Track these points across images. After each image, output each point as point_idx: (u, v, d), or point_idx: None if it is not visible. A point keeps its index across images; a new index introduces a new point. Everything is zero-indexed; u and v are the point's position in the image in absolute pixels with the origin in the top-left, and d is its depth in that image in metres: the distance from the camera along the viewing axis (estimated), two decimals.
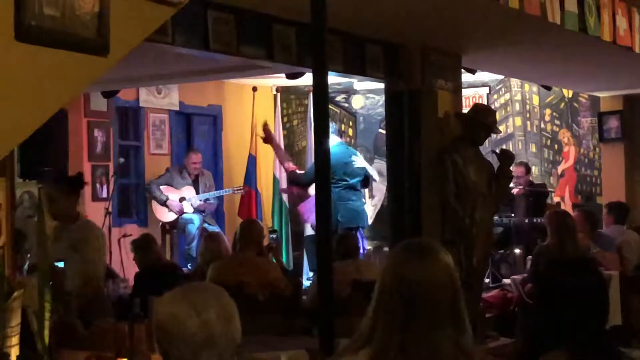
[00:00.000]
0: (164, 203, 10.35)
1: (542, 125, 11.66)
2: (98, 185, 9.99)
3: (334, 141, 9.54)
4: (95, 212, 9.70)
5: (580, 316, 2.75)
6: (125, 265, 9.33)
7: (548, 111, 11.65)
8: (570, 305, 2.76)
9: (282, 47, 6.32)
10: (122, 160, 10.16)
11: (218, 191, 10.81)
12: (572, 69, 9.16)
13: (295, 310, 6.37)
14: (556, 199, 11.22)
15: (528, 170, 10.91)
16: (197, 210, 10.42)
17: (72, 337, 4.93)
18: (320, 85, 3.39)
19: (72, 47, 2.56)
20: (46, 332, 3.53)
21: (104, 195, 9.97)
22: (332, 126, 10.10)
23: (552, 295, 2.82)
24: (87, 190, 9.85)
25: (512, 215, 10.19)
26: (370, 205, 10.73)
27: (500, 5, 4.87)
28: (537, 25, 5.77)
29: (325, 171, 3.59)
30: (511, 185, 9.29)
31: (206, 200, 10.57)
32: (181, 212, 10.36)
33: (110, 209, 9.73)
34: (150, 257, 7.26)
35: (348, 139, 12.28)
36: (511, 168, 10.42)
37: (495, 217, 8.73)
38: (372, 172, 9.73)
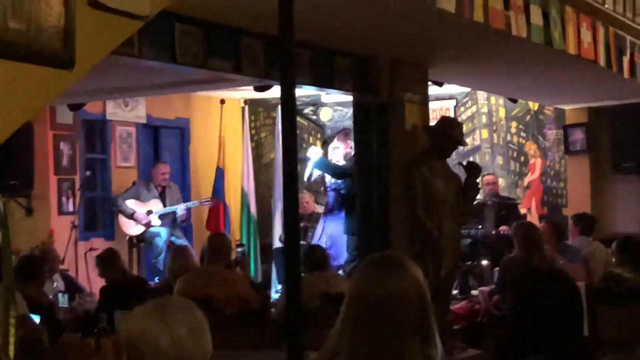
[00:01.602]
0: (130, 216, 10.29)
1: (509, 138, 11.73)
2: (64, 199, 9.91)
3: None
4: (61, 226, 9.64)
5: (556, 326, 2.77)
6: (92, 279, 9.27)
7: (514, 124, 11.72)
8: (545, 315, 2.78)
9: (250, 59, 6.31)
10: (88, 173, 10.10)
11: (185, 203, 10.76)
12: (538, 82, 9.24)
13: (263, 323, 6.36)
14: (523, 211, 11.28)
15: (496, 180, 11.00)
16: (167, 220, 10.39)
17: (38, 352, 4.89)
18: (288, 98, 3.39)
19: (37, 60, 2.54)
20: (11, 348, 3.49)
21: (70, 209, 9.89)
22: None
23: (527, 306, 2.84)
24: (53, 204, 9.79)
25: (480, 226, 10.24)
26: None
27: (466, 18, 4.90)
28: (504, 38, 5.81)
29: (292, 183, 3.58)
30: (479, 196, 9.34)
31: (174, 212, 10.53)
32: (148, 224, 10.31)
33: (76, 223, 9.67)
34: (115, 271, 7.22)
35: None
36: (481, 177, 10.57)
37: (462, 229, 8.75)
38: None
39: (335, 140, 10.13)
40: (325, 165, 9.80)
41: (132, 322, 2.56)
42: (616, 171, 11.18)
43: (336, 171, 9.66)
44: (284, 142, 3.64)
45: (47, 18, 2.55)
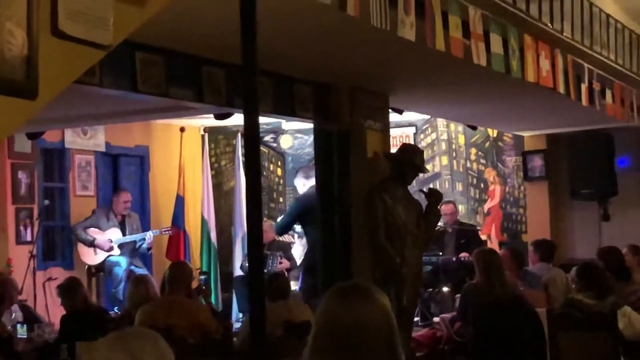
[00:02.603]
0: (91, 244, 10.18)
1: (468, 165, 11.81)
2: (22, 228, 9.79)
3: (308, 184, 9.36)
4: (19, 255, 9.51)
5: (518, 352, 2.78)
6: (50, 309, 9.15)
7: (474, 150, 11.81)
8: (507, 342, 2.79)
9: (212, 88, 6.30)
10: (47, 202, 9.99)
11: (145, 233, 10.68)
12: (497, 109, 9.32)
13: (226, 352, 6.31)
14: (483, 237, 11.33)
15: (456, 208, 11.05)
16: (126, 249, 10.30)
17: None
18: (251, 127, 3.38)
19: (0, 90, 2.52)
20: None
21: (29, 238, 9.77)
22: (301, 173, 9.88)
23: (489, 333, 2.84)
24: (11, 234, 9.66)
25: (440, 253, 10.27)
26: (300, 245, 10.71)
27: (427, 47, 4.93)
28: (463, 66, 5.85)
29: (257, 212, 3.57)
30: (440, 223, 9.37)
31: (134, 242, 10.44)
32: (111, 249, 10.22)
33: (34, 253, 9.54)
34: (77, 301, 7.13)
35: (277, 179, 12.28)
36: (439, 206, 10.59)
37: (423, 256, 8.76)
38: None
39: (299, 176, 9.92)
40: (279, 226, 9.62)
41: (98, 354, 2.53)
42: (574, 198, 11.30)
43: (284, 223, 9.44)
44: (246, 172, 3.64)
45: (10, 48, 2.53)
